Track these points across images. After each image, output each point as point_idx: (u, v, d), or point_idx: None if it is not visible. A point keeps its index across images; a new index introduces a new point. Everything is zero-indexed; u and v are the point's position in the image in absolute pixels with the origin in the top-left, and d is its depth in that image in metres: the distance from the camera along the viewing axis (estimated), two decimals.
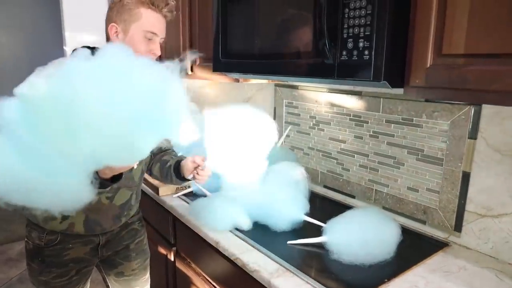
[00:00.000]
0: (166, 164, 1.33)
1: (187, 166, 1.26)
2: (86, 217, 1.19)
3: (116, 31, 1.12)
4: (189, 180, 1.30)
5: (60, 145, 0.76)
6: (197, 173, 1.24)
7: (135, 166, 1.22)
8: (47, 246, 1.19)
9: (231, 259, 1.16)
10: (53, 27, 3.67)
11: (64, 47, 2.99)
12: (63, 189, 0.82)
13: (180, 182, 1.33)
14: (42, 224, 1.19)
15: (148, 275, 1.48)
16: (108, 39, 1.15)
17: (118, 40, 1.12)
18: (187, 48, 1.89)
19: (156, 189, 1.62)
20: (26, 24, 5.45)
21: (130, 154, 0.84)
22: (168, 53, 2.09)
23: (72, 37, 2.91)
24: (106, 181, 0.96)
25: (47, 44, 4.30)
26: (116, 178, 0.99)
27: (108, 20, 1.14)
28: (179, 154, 1.42)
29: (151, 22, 1.13)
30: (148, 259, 1.47)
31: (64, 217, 1.16)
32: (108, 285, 1.44)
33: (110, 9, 1.14)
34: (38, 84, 0.74)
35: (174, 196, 1.60)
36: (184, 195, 1.60)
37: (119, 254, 1.35)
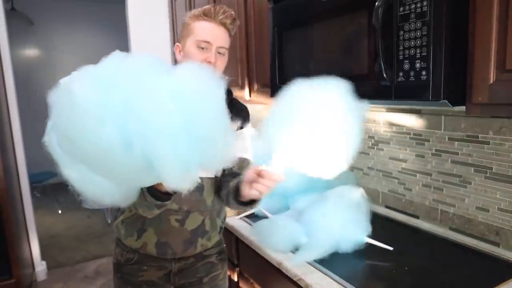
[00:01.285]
0: (228, 187, 1.21)
1: (247, 178, 1.03)
2: (157, 239, 1.22)
3: (179, 50, 1.19)
4: (249, 203, 1.12)
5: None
6: (259, 182, 0.98)
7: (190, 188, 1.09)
8: (125, 264, 1.27)
9: (294, 279, 1.18)
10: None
11: None
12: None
13: (240, 207, 1.17)
14: (123, 240, 1.26)
15: None
16: (175, 60, 1.22)
17: (179, 57, 1.18)
18: (245, 76, 1.98)
19: None
20: (96, 51, 5.99)
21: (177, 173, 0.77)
22: (227, 81, 2.21)
23: None
24: (160, 195, 0.97)
25: None
26: (164, 198, 0.98)
27: (176, 44, 1.22)
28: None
29: (203, 32, 1.13)
30: None
31: (139, 236, 1.22)
32: None
33: (186, 25, 1.18)
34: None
35: (236, 218, 1.65)
36: (247, 216, 1.65)
37: (193, 285, 1.33)
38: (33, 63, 5.63)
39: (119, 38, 5.57)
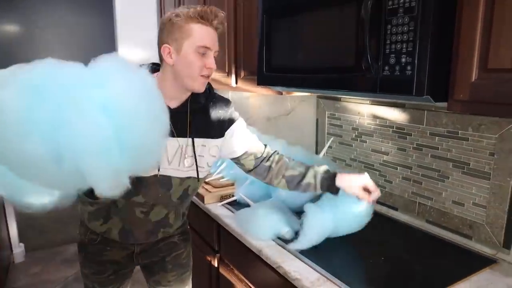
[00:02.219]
0: (302, 181, 1.28)
1: (351, 189, 1.21)
2: (122, 226, 1.23)
3: (169, 52, 1.09)
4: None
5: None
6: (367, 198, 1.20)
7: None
8: (89, 243, 1.29)
9: (274, 267, 1.20)
10: (108, 42, 3.90)
11: None
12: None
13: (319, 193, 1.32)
14: (87, 223, 1.28)
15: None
16: (161, 60, 1.13)
17: (171, 60, 1.09)
18: (232, 63, 1.96)
19: (201, 198, 1.70)
20: (79, 29, 5.83)
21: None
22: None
23: (125, 52, 3.11)
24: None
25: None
26: (93, 196, 1.01)
27: (160, 42, 1.11)
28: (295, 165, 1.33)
29: (203, 37, 1.09)
30: (187, 273, 1.45)
31: (105, 221, 1.23)
32: None
33: (161, 30, 1.12)
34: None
35: (218, 204, 1.66)
36: (228, 203, 1.66)
37: (156, 264, 1.38)
38: (13, 39, 5.45)
39: (103, 16, 5.44)
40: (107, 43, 3.49)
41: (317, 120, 1.92)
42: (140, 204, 1.19)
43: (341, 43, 1.15)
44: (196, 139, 1.19)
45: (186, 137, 1.18)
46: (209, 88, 1.25)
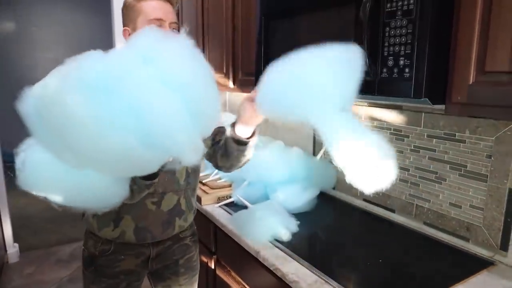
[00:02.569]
0: (221, 142, 1.22)
1: (246, 114, 1.09)
2: (135, 225, 1.21)
3: (129, 34, 1.15)
4: (251, 136, 1.14)
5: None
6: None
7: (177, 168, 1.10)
8: (101, 255, 1.23)
9: (271, 269, 1.20)
10: (106, 40, 3.90)
11: None
12: (93, 186, 0.83)
13: (243, 148, 1.15)
14: (97, 232, 1.23)
15: None
16: None
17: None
18: (229, 64, 1.96)
19: (198, 199, 1.69)
20: (76, 28, 5.80)
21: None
22: (212, 68, 2.18)
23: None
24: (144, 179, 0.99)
25: None
26: (152, 176, 1.00)
27: (123, 28, 1.18)
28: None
29: (154, 10, 1.13)
30: (196, 275, 1.45)
31: (116, 225, 1.20)
32: None
33: (122, 17, 1.19)
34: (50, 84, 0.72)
35: (216, 205, 1.66)
36: (226, 205, 1.65)
37: (168, 268, 1.35)
38: (10, 38, 5.43)
39: (101, 14, 5.42)
40: (104, 41, 3.47)
41: None
42: (150, 194, 1.19)
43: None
44: None
45: None
46: None
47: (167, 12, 1.15)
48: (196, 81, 0.79)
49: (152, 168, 0.85)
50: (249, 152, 1.19)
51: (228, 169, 1.25)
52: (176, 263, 1.35)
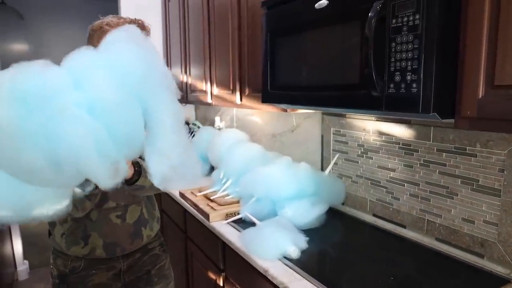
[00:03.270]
0: None
1: None
2: (103, 241, 1.26)
3: None
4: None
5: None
6: None
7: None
8: (71, 273, 1.26)
9: (280, 287, 1.18)
10: None
11: None
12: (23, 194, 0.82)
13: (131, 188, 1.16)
14: (66, 251, 1.26)
15: None
16: None
17: None
18: (236, 80, 1.97)
19: (206, 215, 1.68)
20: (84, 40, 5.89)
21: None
22: (218, 84, 2.20)
23: None
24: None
25: None
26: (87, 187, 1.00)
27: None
28: None
29: None
30: (172, 283, 1.51)
31: (85, 243, 1.24)
32: None
33: (90, 36, 1.21)
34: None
35: (224, 222, 1.65)
36: (234, 221, 1.64)
37: (142, 280, 1.39)
38: (22, 58, 5.52)
39: None
40: None
41: (322, 136, 1.91)
42: (113, 208, 1.25)
43: (345, 61, 1.15)
44: None
45: None
46: None
47: None
48: (121, 108, 0.79)
49: (66, 186, 0.87)
50: (144, 192, 1.22)
51: None
52: (149, 273, 1.41)
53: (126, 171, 0.87)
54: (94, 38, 1.18)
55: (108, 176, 0.80)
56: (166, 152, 0.86)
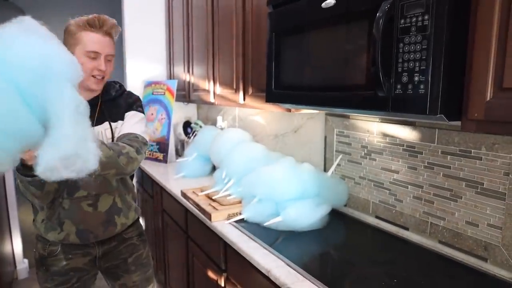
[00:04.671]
0: None
1: None
2: (76, 228, 1.32)
3: None
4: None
5: None
6: None
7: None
8: (49, 256, 1.35)
9: None
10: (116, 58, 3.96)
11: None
12: None
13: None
14: (45, 235, 1.34)
15: (152, 285, 1.58)
16: None
17: None
18: (240, 80, 1.96)
19: (208, 215, 1.67)
20: None
21: None
22: (221, 83, 2.19)
23: (133, 67, 3.14)
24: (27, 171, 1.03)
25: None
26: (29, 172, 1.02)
27: None
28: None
29: (91, 43, 1.26)
30: (150, 271, 1.57)
31: (61, 229, 1.31)
32: None
33: (64, 38, 1.27)
34: None
35: (226, 222, 1.64)
36: (236, 221, 1.63)
37: (119, 267, 1.47)
38: None
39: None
40: (115, 58, 3.53)
41: (325, 137, 1.90)
42: (84, 197, 1.31)
43: (351, 61, 1.15)
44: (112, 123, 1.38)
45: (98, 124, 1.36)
46: (120, 85, 1.49)
47: (104, 46, 1.29)
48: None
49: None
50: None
51: None
52: (125, 261, 1.47)
53: (17, 160, 0.92)
54: (64, 39, 1.26)
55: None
56: (56, 143, 0.86)
